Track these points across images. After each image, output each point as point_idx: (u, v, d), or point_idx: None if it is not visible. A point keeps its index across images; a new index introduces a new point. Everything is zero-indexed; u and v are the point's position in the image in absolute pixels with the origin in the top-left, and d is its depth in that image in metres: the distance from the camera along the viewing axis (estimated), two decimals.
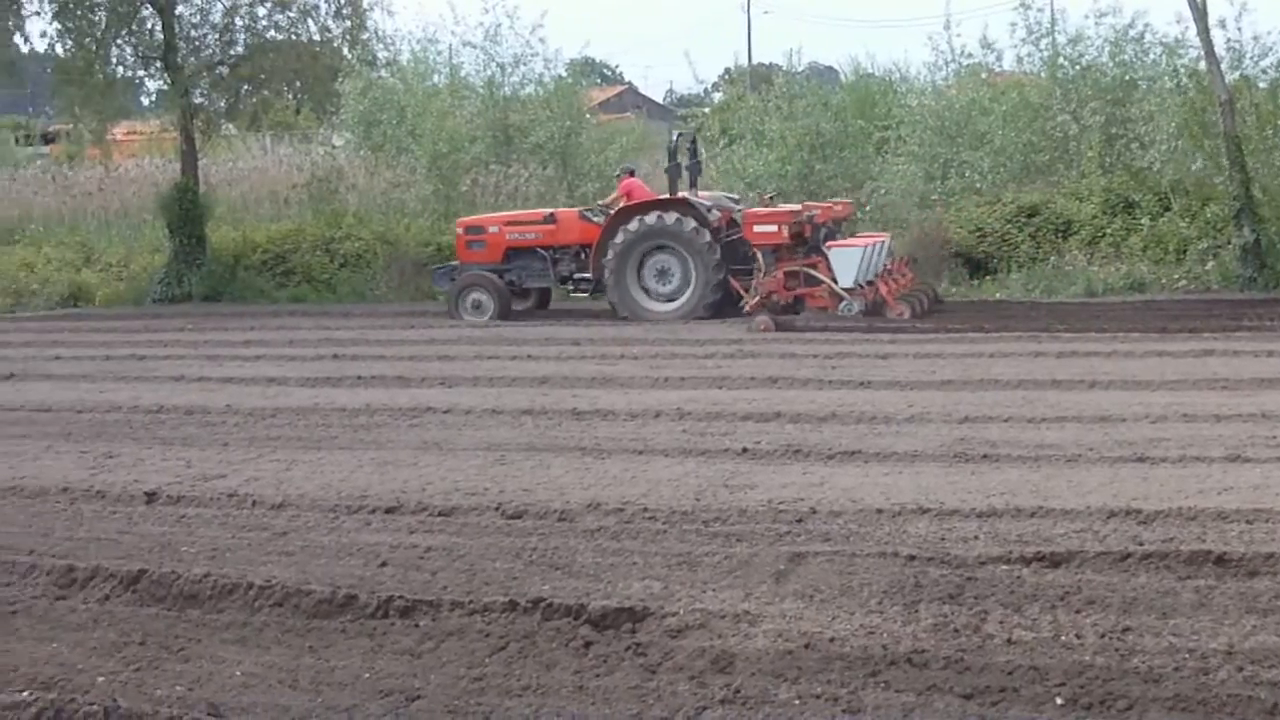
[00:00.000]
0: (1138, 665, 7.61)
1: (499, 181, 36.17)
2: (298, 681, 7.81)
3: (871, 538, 10.30)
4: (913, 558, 9.56)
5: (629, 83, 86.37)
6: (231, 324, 28.12)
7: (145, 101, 43.02)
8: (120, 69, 37.69)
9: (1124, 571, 9.23)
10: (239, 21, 37.58)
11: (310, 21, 38.22)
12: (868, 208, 32.86)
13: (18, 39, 36.69)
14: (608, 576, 9.49)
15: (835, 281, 24.99)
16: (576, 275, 27.95)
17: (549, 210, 29.36)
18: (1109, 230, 29.68)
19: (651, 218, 26.62)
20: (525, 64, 38.24)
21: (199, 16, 37.32)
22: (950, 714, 7.09)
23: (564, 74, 38.57)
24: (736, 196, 29.45)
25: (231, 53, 37.71)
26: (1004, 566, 9.37)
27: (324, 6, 36.94)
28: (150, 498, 12.44)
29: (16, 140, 56.90)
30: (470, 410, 16.48)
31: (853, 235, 27.96)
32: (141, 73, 38.83)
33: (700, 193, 27.90)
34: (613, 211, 27.49)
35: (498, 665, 7.91)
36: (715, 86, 66.68)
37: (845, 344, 21.48)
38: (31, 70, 39.93)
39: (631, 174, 28.63)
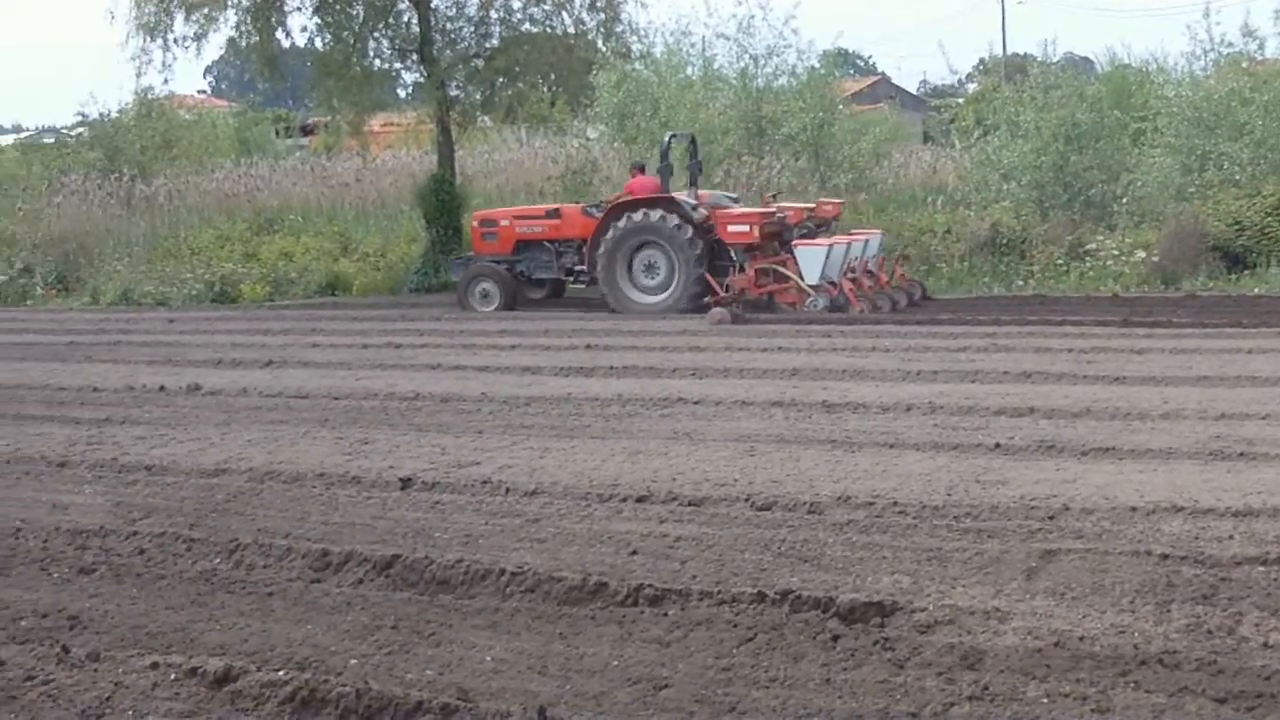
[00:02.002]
0: None
1: (751, 173, 36.18)
2: (547, 668, 7.89)
3: (1124, 536, 10.15)
4: (1166, 557, 9.41)
5: (882, 73, 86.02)
6: (487, 314, 28.40)
7: (402, 94, 43.60)
8: (377, 62, 38.27)
9: None
10: (494, 14, 37.94)
11: (565, 14, 38.49)
12: (1124, 200, 32.38)
13: (279, 34, 37.42)
14: (857, 570, 9.46)
15: (802, 278, 26.17)
16: (576, 267, 29.42)
17: (554, 205, 30.93)
18: None
19: (639, 215, 27.86)
20: (778, 55, 38.16)
21: (454, 9, 37.78)
22: (1203, 717, 6.97)
23: (817, 65, 38.41)
24: (736, 196, 30.68)
25: (487, 45, 38.09)
26: (1260, 568, 9.19)
27: None
28: (405, 484, 12.64)
29: (277, 132, 58.06)
30: (721, 401, 16.50)
31: (848, 232, 28.94)
32: (398, 65, 39.35)
33: (700, 192, 28.92)
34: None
35: (745, 656, 7.92)
36: (969, 77, 66.15)
37: (1100, 339, 21.16)
38: (292, 64, 40.60)
39: (641, 170, 29.78)
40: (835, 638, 8.09)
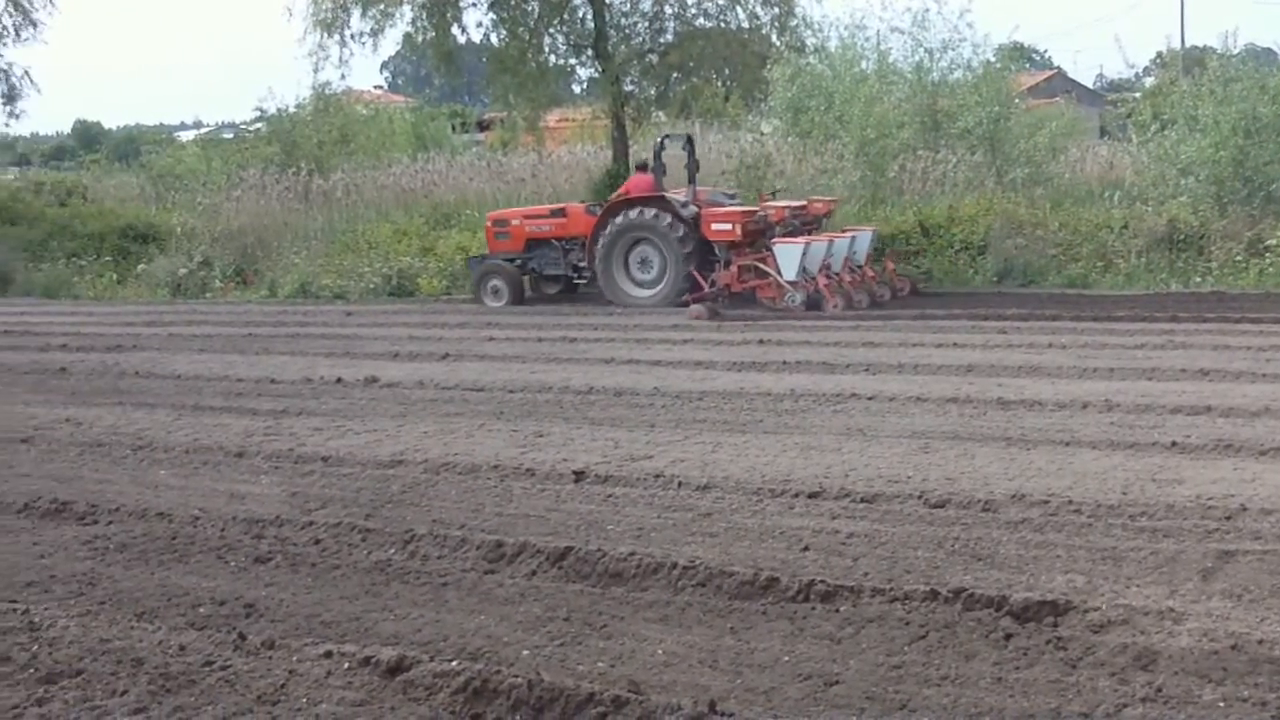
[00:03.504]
0: None
1: (926, 167, 35.98)
2: (717, 662, 7.90)
3: None
4: None
5: (1058, 67, 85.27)
6: (648, 310, 28.51)
7: (577, 89, 43.84)
8: (552, 57, 38.57)
9: None
10: (668, 9, 38.09)
11: (739, 9, 38.54)
12: None
13: (455, 30, 37.76)
14: (1030, 569, 9.39)
15: (780, 275, 27.38)
16: (580, 264, 30.90)
17: (560, 205, 32.14)
18: None
19: (633, 213, 29.29)
20: (953, 49, 37.88)
21: (629, 5, 37.99)
22: None
23: (993, 59, 38.07)
24: (733, 193, 31.99)
25: (661, 40, 38.26)
26: None
27: None
28: (578, 476, 12.68)
29: (453, 128, 58.47)
30: (894, 397, 16.42)
31: (841, 229, 30.22)
32: (573, 61, 39.62)
33: (699, 189, 29.87)
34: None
35: (917, 654, 7.89)
36: (1146, 70, 65.31)
37: (1279, 336, 20.85)
38: (467, 60, 40.94)
39: (642, 169, 30.86)
40: (1008, 636, 8.04)
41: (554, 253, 31.12)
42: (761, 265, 27.76)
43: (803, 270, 27.06)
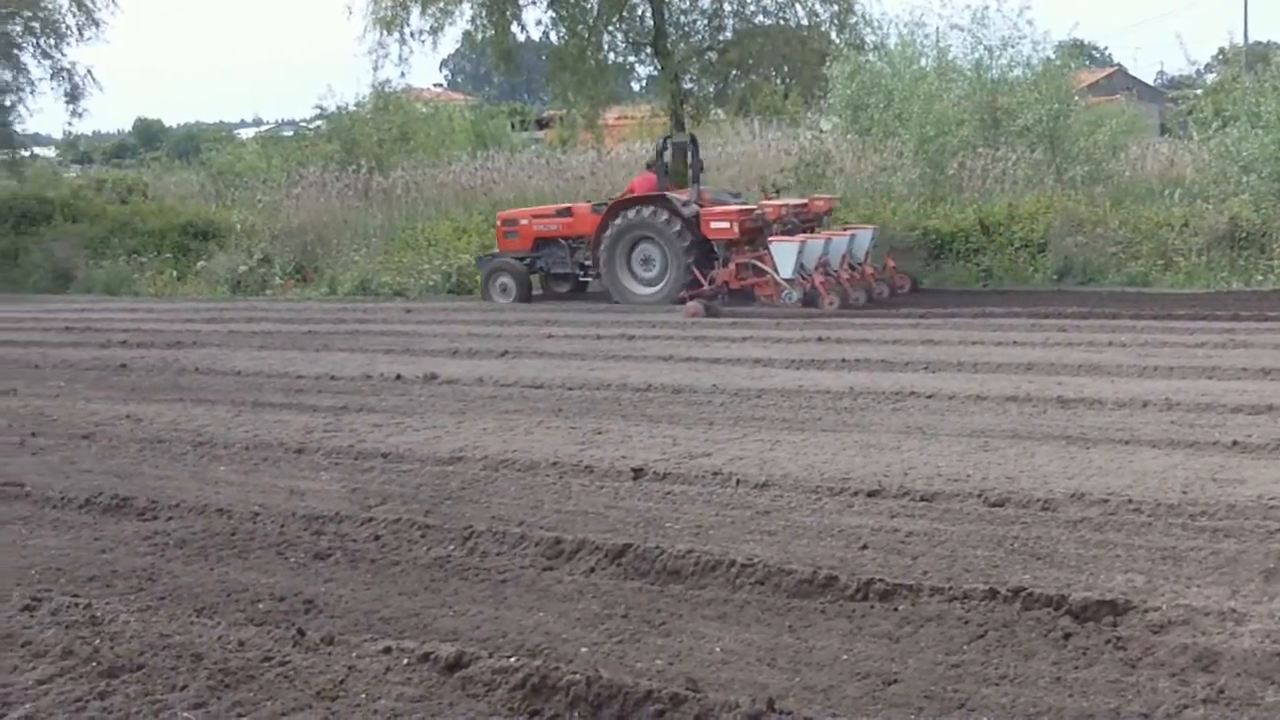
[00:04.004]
0: None
1: (986, 165, 35.83)
2: (776, 660, 7.89)
3: None
4: None
5: (1118, 64, 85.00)
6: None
7: (636, 87, 43.81)
8: (611, 55, 38.56)
9: None
10: (727, 7, 38.04)
11: (798, 6, 38.46)
12: None
13: (514, 28, 37.80)
14: (1090, 568, 9.35)
15: (778, 272, 27.73)
16: (586, 262, 31.55)
17: (566, 205, 33.16)
18: None
19: (636, 212, 29.92)
20: (1013, 46, 37.65)
21: (688, 2, 37.93)
22: None
23: (1052, 56, 37.87)
24: (738, 192, 32.46)
25: (720, 38, 38.22)
26: None
27: None
28: (637, 474, 12.68)
29: (513, 125, 58.57)
30: (954, 395, 16.38)
31: (843, 227, 30.80)
32: (632, 59, 39.64)
33: (703, 189, 30.82)
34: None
35: (976, 653, 7.87)
36: (1208, 67, 64.92)
37: None
38: (527, 58, 40.98)
39: (650, 168, 31.71)
40: (1067, 636, 8.01)
41: (561, 251, 31.90)
42: (759, 263, 28.10)
43: (800, 268, 27.37)
